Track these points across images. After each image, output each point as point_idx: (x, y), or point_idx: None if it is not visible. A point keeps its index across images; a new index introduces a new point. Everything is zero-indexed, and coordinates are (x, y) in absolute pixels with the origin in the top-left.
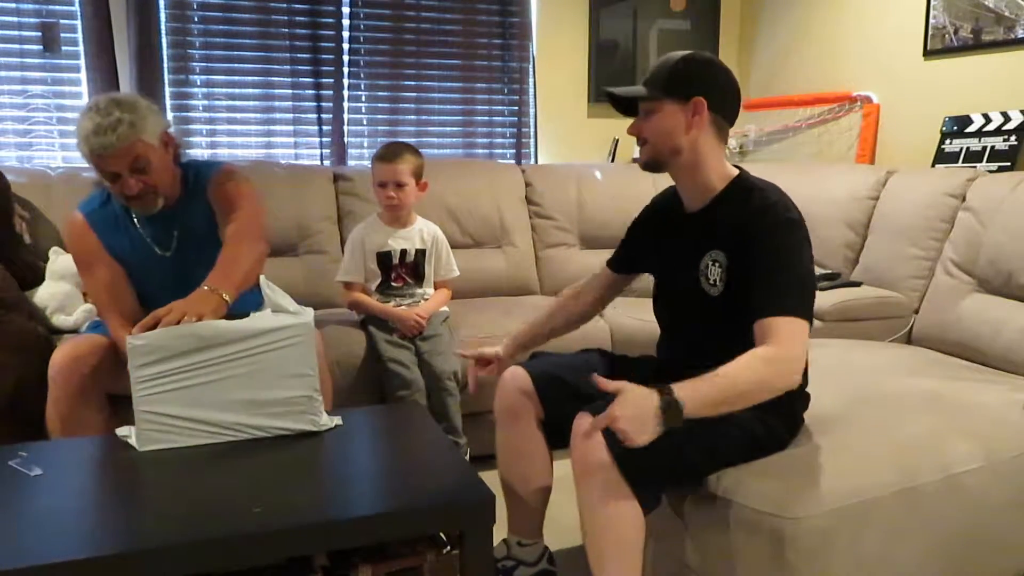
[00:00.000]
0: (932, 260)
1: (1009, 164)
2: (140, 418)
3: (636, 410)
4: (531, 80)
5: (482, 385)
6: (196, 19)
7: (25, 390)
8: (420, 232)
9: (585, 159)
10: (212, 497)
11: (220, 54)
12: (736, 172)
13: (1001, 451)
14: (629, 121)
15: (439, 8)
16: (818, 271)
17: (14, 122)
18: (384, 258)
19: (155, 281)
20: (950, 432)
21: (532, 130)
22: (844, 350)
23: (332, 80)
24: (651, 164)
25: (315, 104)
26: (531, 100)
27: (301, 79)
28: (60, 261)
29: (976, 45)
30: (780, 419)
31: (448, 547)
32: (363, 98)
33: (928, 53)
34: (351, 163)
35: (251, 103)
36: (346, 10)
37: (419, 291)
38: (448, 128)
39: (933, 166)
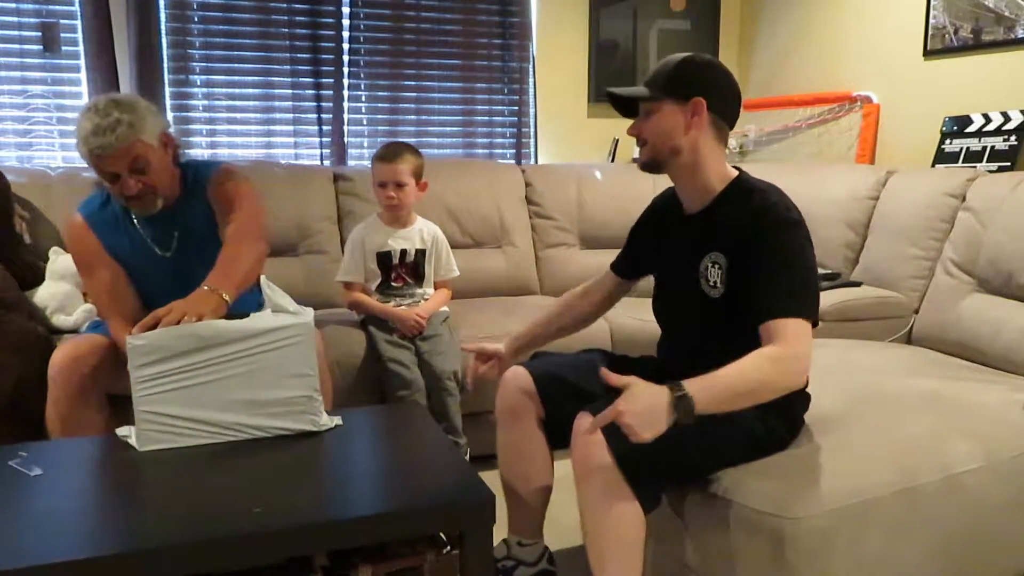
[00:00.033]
0: (932, 260)
1: (1009, 164)
2: (140, 418)
3: (645, 405)
4: (531, 80)
5: (482, 385)
6: (196, 19)
7: (25, 390)
8: (420, 232)
9: (585, 159)
10: (212, 497)
11: (220, 54)
12: (736, 173)
13: (1001, 451)
14: (629, 121)
15: (439, 8)
16: (818, 271)
17: (14, 122)
18: (384, 258)
19: (155, 281)
20: (950, 432)
21: (532, 130)
22: (844, 350)
23: (332, 80)
24: (650, 164)
25: (315, 104)
26: (531, 100)
27: (301, 79)
28: (60, 261)
29: (976, 45)
30: (780, 419)
31: (448, 547)
32: (363, 98)
33: (928, 53)
34: (351, 163)
35: (251, 103)
36: (346, 10)
37: (419, 291)
38: (448, 128)
39: (933, 166)
